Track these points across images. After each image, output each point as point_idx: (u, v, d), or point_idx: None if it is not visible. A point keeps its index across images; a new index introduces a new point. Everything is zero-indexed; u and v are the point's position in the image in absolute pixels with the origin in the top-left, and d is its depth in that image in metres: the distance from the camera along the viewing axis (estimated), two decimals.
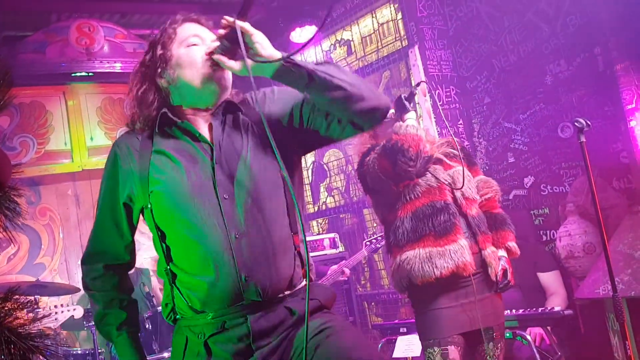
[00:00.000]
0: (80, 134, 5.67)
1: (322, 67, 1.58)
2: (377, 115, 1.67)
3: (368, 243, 4.56)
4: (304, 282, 1.73)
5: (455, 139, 2.88)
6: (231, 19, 1.56)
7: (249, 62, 1.55)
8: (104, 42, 5.34)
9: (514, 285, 3.83)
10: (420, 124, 2.85)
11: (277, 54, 1.57)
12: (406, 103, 2.78)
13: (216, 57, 1.62)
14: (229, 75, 1.74)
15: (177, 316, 1.74)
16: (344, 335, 1.63)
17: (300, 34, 5.47)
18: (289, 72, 1.57)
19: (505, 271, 2.74)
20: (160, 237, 1.70)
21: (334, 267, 4.66)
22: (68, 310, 4.45)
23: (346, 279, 4.67)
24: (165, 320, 1.79)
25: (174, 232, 1.66)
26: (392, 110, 2.82)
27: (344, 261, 4.71)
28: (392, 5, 5.21)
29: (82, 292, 5.44)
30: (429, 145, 2.84)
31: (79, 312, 4.56)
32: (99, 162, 5.71)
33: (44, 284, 4.61)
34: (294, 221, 1.73)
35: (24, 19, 5.26)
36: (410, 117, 2.76)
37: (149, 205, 1.68)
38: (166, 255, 1.70)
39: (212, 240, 1.61)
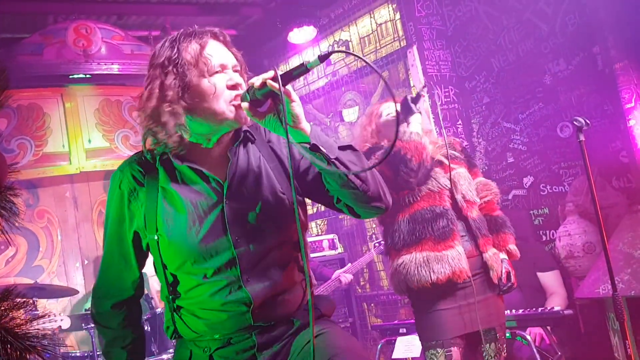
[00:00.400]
0: (78, 136, 5.65)
1: (344, 154, 1.56)
2: (375, 213, 1.69)
3: (377, 245, 4.61)
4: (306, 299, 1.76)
5: (456, 139, 2.88)
6: (271, 78, 1.47)
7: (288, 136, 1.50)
8: (101, 44, 5.32)
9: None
10: (425, 124, 2.85)
11: (307, 129, 1.54)
12: (412, 105, 2.75)
13: (244, 105, 1.54)
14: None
15: (180, 335, 1.76)
16: (336, 337, 1.66)
17: (298, 34, 5.47)
18: (313, 153, 1.54)
19: (508, 274, 2.74)
20: (164, 269, 1.69)
21: (347, 276, 4.67)
22: (56, 321, 4.41)
23: (346, 284, 4.71)
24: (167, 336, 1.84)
25: (181, 272, 1.65)
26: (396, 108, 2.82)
27: (350, 265, 4.74)
28: (390, 6, 5.21)
29: (81, 294, 5.45)
30: (432, 146, 2.83)
31: (66, 323, 4.54)
32: (97, 164, 5.70)
33: (42, 286, 4.59)
34: (295, 246, 1.73)
35: (21, 21, 5.25)
36: (415, 120, 2.73)
37: (156, 238, 1.65)
38: (169, 285, 1.69)
39: (222, 283, 1.62)
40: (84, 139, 5.66)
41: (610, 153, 3.92)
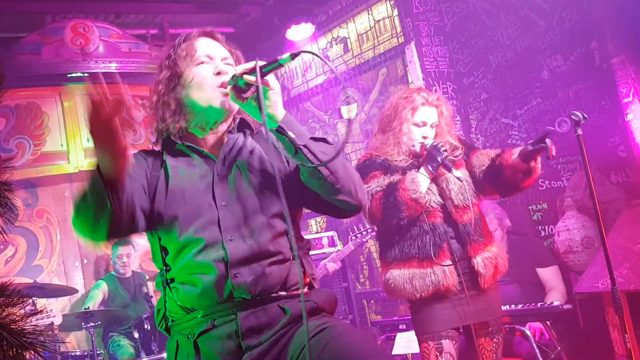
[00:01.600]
0: (77, 135, 5.64)
1: (317, 145, 1.64)
2: (345, 209, 1.72)
3: (353, 237, 4.65)
4: (305, 289, 1.75)
5: (454, 142, 2.85)
6: (250, 70, 1.61)
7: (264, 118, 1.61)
8: (99, 42, 5.32)
9: (513, 281, 3.85)
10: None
11: (280, 115, 1.63)
12: (438, 162, 2.70)
13: (227, 89, 1.69)
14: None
15: (169, 323, 1.77)
16: (349, 333, 1.63)
17: (296, 32, 5.47)
18: (282, 137, 1.63)
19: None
20: (158, 241, 1.75)
21: (333, 264, 4.71)
22: (48, 317, 4.43)
23: (327, 273, 4.77)
24: (158, 329, 1.81)
25: (173, 235, 1.70)
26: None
27: (330, 256, 4.80)
28: (388, 2, 5.20)
29: (81, 293, 5.45)
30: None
31: (58, 319, 4.55)
32: (96, 163, 5.69)
33: (41, 285, 4.59)
34: (296, 225, 1.81)
35: (19, 21, 5.24)
36: (424, 179, 2.71)
37: (153, 211, 1.72)
38: (163, 260, 1.75)
39: (207, 241, 1.67)
40: (83, 138, 5.65)
41: (609, 148, 3.92)
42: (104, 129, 1.41)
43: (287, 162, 1.79)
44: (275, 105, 1.63)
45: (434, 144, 2.75)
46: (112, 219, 1.52)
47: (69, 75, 5.33)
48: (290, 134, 1.62)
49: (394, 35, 5.19)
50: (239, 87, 1.64)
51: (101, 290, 5.24)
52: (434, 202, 2.74)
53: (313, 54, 1.60)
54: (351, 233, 4.76)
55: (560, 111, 4.24)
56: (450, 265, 2.68)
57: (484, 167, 2.80)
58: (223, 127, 1.82)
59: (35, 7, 5.10)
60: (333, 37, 5.74)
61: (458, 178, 2.75)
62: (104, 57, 5.31)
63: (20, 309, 1.15)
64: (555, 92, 4.28)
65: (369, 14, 5.38)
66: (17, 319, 1.12)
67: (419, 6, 4.98)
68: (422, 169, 2.73)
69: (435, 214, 2.73)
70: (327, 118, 5.85)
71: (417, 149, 2.81)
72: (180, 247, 1.69)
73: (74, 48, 5.18)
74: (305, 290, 1.74)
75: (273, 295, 1.68)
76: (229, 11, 5.67)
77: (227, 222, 1.68)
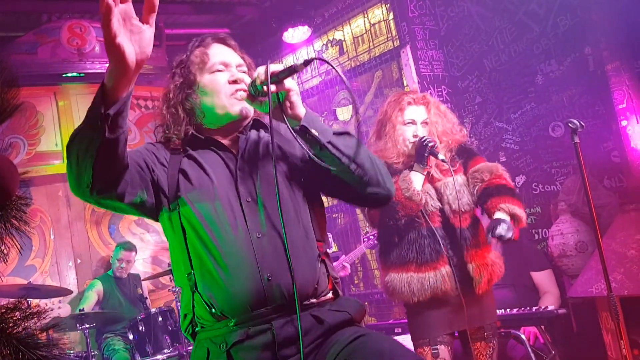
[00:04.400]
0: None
1: (340, 139, 1.64)
2: (375, 199, 1.75)
3: (366, 239, 4.57)
4: (330, 295, 1.74)
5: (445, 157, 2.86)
6: (263, 70, 1.60)
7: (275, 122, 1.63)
8: (95, 43, 5.31)
9: (508, 285, 3.88)
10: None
11: (302, 114, 1.62)
12: (427, 155, 2.73)
13: (243, 95, 1.70)
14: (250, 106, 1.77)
15: (197, 328, 1.71)
16: (381, 340, 1.58)
17: (293, 34, 5.48)
18: (305, 135, 1.62)
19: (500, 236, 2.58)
20: (185, 239, 1.68)
21: (334, 263, 4.69)
22: (53, 310, 4.43)
23: (346, 274, 4.69)
24: (183, 334, 1.76)
25: (198, 236, 1.66)
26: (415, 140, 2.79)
27: (343, 256, 4.73)
28: (383, 6, 5.22)
29: (75, 294, 5.44)
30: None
31: (65, 310, 4.55)
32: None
33: (35, 286, 4.58)
34: (318, 229, 1.76)
35: (15, 20, 5.22)
36: (417, 177, 2.74)
37: (177, 207, 1.68)
38: (190, 260, 1.68)
39: (235, 241, 1.63)
40: None
41: (603, 153, 3.97)
42: (109, 38, 1.32)
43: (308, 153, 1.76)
44: (294, 105, 1.62)
45: (419, 139, 2.77)
46: (101, 155, 1.43)
47: (64, 75, 5.31)
48: (314, 132, 1.61)
49: (389, 39, 5.22)
50: (258, 92, 1.63)
51: (95, 290, 5.23)
52: (432, 206, 2.76)
53: (327, 62, 1.59)
54: (360, 236, 4.71)
55: (554, 116, 4.28)
56: (448, 270, 2.70)
57: (476, 191, 2.79)
58: (238, 127, 1.82)
59: (31, 6, 5.08)
60: (329, 40, 5.75)
61: (456, 183, 2.77)
62: (100, 58, 5.30)
63: (36, 323, 1.16)
64: (549, 97, 4.32)
65: (364, 17, 5.40)
66: (32, 333, 1.13)
67: (415, 10, 5.01)
68: (414, 166, 2.77)
69: (434, 218, 2.75)
70: (323, 119, 5.86)
71: (411, 148, 2.83)
72: (209, 249, 1.63)
73: (70, 48, 5.17)
74: (330, 296, 1.73)
75: (305, 303, 1.64)
76: (226, 12, 5.67)
77: (252, 220, 1.66)
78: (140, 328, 4.68)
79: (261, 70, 1.61)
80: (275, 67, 1.59)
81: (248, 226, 1.65)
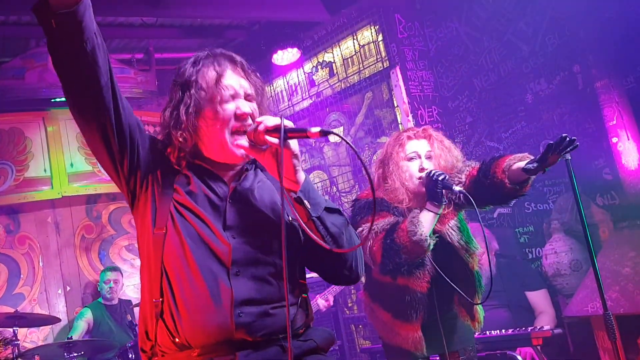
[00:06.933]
0: (60, 160, 5.57)
1: (329, 217, 1.62)
2: (339, 282, 1.78)
3: None
4: (306, 329, 1.71)
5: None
6: (273, 128, 1.53)
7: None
8: None
9: (503, 305, 3.84)
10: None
11: (300, 180, 1.59)
12: (441, 193, 2.54)
13: (244, 143, 1.62)
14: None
15: (157, 357, 1.65)
16: None
17: (282, 57, 5.48)
18: (300, 203, 1.59)
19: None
20: (162, 267, 1.63)
21: (323, 302, 4.66)
22: None
23: (329, 305, 4.74)
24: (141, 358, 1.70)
25: (174, 264, 1.61)
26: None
27: (327, 290, 4.73)
28: (372, 27, 5.24)
29: (64, 323, 5.34)
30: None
31: None
32: (79, 188, 5.62)
33: (23, 314, 4.49)
34: (300, 268, 1.74)
35: (2, 45, 5.20)
36: (427, 217, 2.55)
37: (165, 231, 1.62)
38: (161, 284, 1.62)
39: (212, 275, 1.58)
40: (66, 163, 5.59)
41: (594, 171, 3.96)
42: None
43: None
44: (293, 170, 1.57)
45: (426, 174, 2.59)
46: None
47: (53, 100, 5.28)
48: (307, 204, 1.58)
49: (379, 60, 5.23)
50: (258, 139, 1.57)
51: (85, 320, 5.13)
52: (426, 270, 2.66)
53: (341, 137, 1.54)
54: None
55: (544, 134, 4.27)
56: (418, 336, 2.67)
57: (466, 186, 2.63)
58: (237, 164, 1.74)
59: (18, 32, 5.06)
60: (319, 62, 5.76)
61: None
62: None
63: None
64: (539, 116, 4.32)
65: (354, 39, 5.42)
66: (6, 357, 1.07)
67: (404, 31, 5.03)
68: (427, 204, 2.57)
69: (420, 283, 2.65)
70: (313, 141, 5.85)
71: (419, 185, 2.64)
72: (183, 278, 1.59)
73: None
74: (302, 329, 1.70)
75: (274, 337, 1.61)
76: (215, 36, 5.67)
77: (236, 255, 1.60)
78: (130, 356, 4.59)
79: (269, 120, 1.54)
80: (286, 122, 1.52)
81: (230, 262, 1.60)
